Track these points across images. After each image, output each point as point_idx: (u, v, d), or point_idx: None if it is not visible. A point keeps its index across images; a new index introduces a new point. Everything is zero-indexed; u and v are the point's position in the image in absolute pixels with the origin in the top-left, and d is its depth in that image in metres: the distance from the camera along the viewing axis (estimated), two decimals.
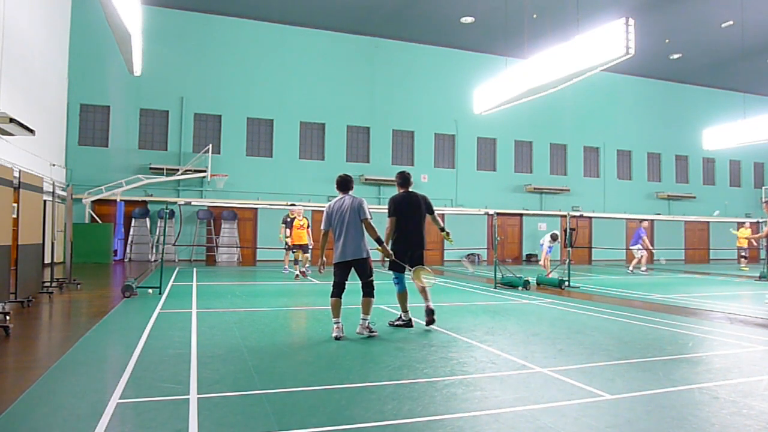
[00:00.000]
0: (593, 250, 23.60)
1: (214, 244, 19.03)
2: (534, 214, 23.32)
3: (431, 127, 22.25)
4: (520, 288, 10.88)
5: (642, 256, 16.11)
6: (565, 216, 12.66)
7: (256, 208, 19.58)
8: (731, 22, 19.46)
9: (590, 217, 23.80)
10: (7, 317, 5.73)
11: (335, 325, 5.70)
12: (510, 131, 23.31)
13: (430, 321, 6.28)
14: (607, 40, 8.92)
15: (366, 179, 20.78)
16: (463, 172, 22.59)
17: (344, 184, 6.06)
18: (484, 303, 8.87)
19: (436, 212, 6.74)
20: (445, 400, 3.62)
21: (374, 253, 6.46)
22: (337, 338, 5.60)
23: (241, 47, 20.02)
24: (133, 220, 18.33)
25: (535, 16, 18.46)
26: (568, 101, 23.23)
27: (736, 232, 18.45)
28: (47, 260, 10.46)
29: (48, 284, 9.12)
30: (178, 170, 18.46)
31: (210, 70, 19.66)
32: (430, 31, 20.88)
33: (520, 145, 23.79)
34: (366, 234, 5.88)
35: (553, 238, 13.79)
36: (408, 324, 6.32)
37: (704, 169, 27.42)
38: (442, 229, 6.70)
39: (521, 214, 23.34)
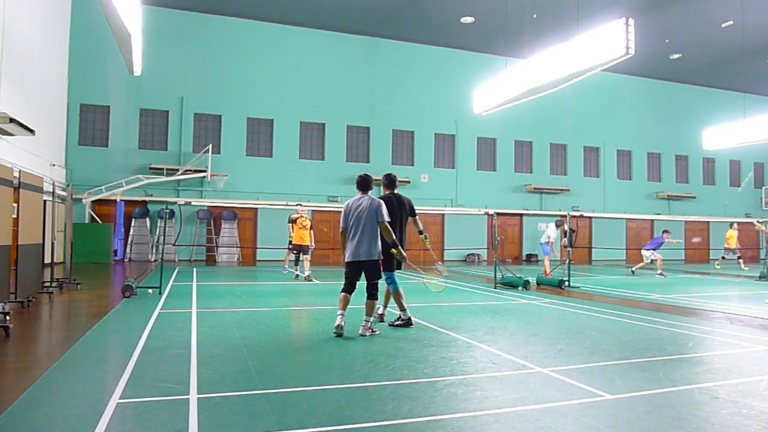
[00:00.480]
0: (593, 250, 23.60)
1: (214, 244, 19.03)
2: (534, 214, 23.32)
3: (431, 127, 22.25)
4: (520, 288, 10.88)
5: (658, 258, 15.43)
6: (565, 216, 12.65)
7: (256, 208, 19.58)
8: (731, 22, 19.46)
9: (590, 217, 23.80)
10: (7, 317, 5.73)
11: (339, 315, 5.72)
12: (510, 131, 23.31)
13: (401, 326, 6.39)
14: (607, 40, 8.92)
15: None
16: (463, 172, 22.59)
17: (364, 184, 6.08)
18: (484, 303, 8.86)
19: (418, 216, 6.93)
20: (445, 400, 3.62)
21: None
22: (337, 326, 5.61)
23: (241, 47, 20.02)
24: (133, 220, 18.33)
25: (535, 16, 18.46)
26: (568, 101, 23.23)
27: (734, 233, 18.29)
28: (47, 260, 10.46)
29: (48, 284, 9.12)
30: (178, 170, 18.46)
31: (210, 70, 19.66)
32: (430, 31, 20.88)
33: (520, 145, 23.79)
34: (380, 236, 5.90)
35: (557, 224, 13.70)
36: (408, 323, 6.33)
37: (704, 169, 27.42)
38: (421, 232, 6.87)
39: (521, 214, 23.35)
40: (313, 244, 13.09)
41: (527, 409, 3.44)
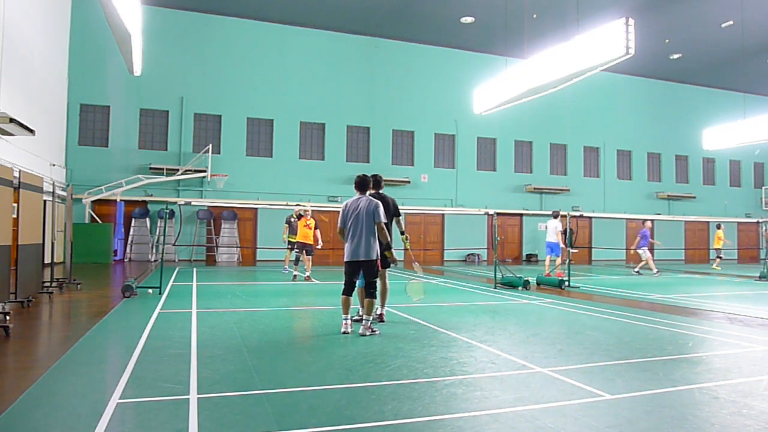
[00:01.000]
0: (593, 250, 23.60)
1: (214, 244, 19.03)
2: (534, 214, 23.31)
3: (431, 127, 22.25)
4: (520, 288, 10.88)
5: (648, 258, 15.63)
6: (565, 216, 12.64)
7: (256, 208, 19.58)
8: (731, 22, 19.46)
9: (590, 217, 23.81)
10: (7, 317, 5.73)
11: (344, 321, 5.91)
12: (510, 131, 23.31)
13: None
14: (607, 40, 8.92)
15: None
16: (463, 172, 22.59)
17: (362, 184, 6.15)
18: (484, 303, 8.86)
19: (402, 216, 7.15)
20: (445, 400, 3.62)
21: None
22: (344, 333, 5.82)
23: (241, 47, 20.02)
24: (133, 220, 18.33)
25: (535, 16, 18.47)
26: (568, 101, 23.23)
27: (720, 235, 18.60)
28: (47, 260, 10.45)
29: (48, 284, 9.12)
30: (178, 170, 18.46)
31: (210, 70, 19.66)
32: (430, 31, 20.88)
33: (520, 145, 23.79)
34: (377, 236, 6.00)
35: (555, 215, 13.64)
36: (380, 319, 6.64)
37: (704, 169, 27.42)
38: (402, 233, 7.10)
39: (521, 214, 23.35)
40: (320, 243, 12.63)
41: (527, 409, 3.44)
